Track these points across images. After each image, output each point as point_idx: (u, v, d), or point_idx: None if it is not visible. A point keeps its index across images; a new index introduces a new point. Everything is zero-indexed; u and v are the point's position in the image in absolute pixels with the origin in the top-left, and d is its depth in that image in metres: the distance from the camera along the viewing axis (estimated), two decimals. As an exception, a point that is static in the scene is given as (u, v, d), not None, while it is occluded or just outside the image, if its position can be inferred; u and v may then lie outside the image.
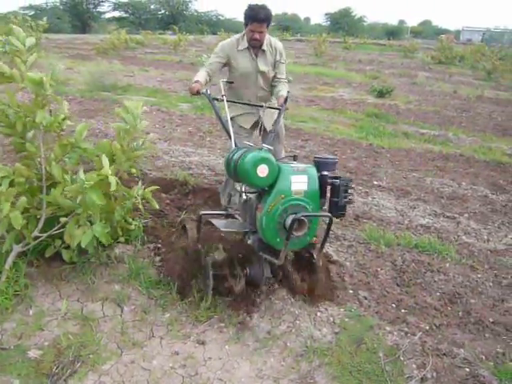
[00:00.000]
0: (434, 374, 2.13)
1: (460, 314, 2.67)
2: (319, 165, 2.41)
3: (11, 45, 2.39)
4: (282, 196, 2.26)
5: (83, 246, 2.55)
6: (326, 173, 2.40)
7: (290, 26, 53.44)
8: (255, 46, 3.36)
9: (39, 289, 2.71)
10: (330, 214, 2.32)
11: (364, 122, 7.89)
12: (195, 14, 53.42)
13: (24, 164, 2.73)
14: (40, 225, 2.69)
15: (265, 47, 3.37)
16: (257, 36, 3.27)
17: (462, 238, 3.64)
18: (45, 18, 14.43)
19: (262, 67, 3.40)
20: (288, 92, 3.31)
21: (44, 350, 2.27)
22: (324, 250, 3.12)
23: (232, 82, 3.46)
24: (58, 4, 45.94)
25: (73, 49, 18.16)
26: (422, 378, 2.12)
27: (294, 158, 2.59)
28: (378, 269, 3.09)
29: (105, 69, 11.94)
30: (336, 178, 2.43)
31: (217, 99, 3.10)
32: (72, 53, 16.41)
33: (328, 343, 2.34)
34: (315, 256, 2.54)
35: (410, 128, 7.76)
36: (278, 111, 3.20)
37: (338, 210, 2.42)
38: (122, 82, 10.37)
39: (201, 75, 3.33)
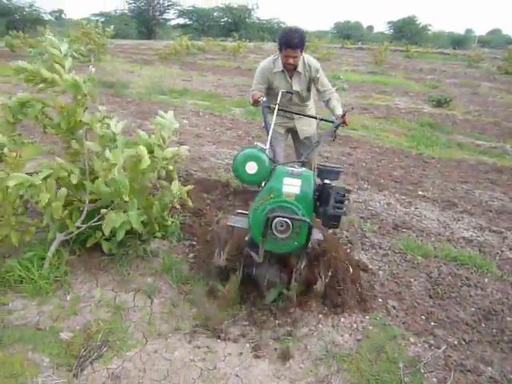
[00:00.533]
0: (456, 389, 2.07)
1: (493, 331, 2.56)
2: (321, 173, 2.42)
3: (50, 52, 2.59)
4: (272, 196, 2.30)
5: (116, 226, 2.66)
6: (328, 181, 2.39)
7: (351, 34, 52.89)
8: (290, 70, 3.42)
9: (78, 276, 2.88)
10: (307, 220, 2.24)
11: (417, 131, 7.67)
12: (257, 21, 54.16)
13: (70, 159, 2.93)
14: (82, 216, 2.87)
15: (300, 69, 3.42)
16: (291, 61, 3.31)
17: (505, 254, 3.47)
18: (112, 26, 15.14)
19: (296, 87, 3.48)
20: (344, 110, 3.25)
21: (75, 333, 2.42)
22: (357, 258, 3.11)
23: (291, 93, 3.51)
24: (126, 11, 48.33)
25: (137, 54, 18.99)
26: (442, 392, 2.07)
27: (303, 164, 2.63)
28: (412, 279, 3.02)
29: (163, 73, 12.42)
30: (331, 187, 2.39)
31: (269, 107, 3.19)
32: (136, 57, 17.16)
33: (349, 349, 2.33)
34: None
35: (465, 139, 7.47)
36: (314, 120, 3.45)
37: (327, 219, 2.40)
38: (178, 86, 10.72)
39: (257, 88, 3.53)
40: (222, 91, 11.01)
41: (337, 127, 3.10)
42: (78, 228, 2.86)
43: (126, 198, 2.66)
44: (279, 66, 3.42)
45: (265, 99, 3.24)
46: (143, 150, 2.64)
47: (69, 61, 2.72)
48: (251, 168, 2.35)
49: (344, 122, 3.16)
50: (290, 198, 2.28)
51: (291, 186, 2.28)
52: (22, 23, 29.94)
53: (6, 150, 2.83)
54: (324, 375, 2.20)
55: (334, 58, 22.36)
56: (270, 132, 3.02)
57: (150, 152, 2.86)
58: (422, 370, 2.18)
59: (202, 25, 50.65)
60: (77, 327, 2.46)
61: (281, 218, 2.22)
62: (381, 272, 3.07)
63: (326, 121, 3.31)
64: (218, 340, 2.40)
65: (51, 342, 2.36)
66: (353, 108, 3.32)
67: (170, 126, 2.98)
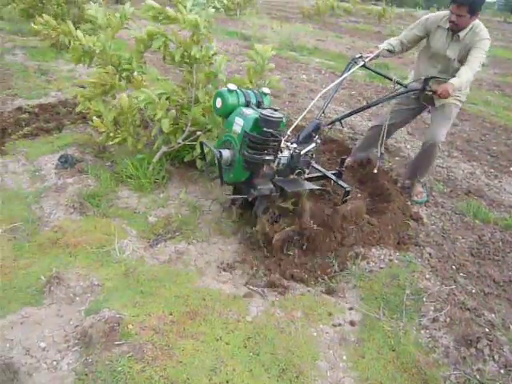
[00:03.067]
0: (448, 320, 2.31)
1: (520, 294, 2.67)
2: (261, 121, 2.56)
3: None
4: (227, 130, 2.72)
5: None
6: (266, 130, 2.55)
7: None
8: (453, 30, 3.15)
9: (173, 183, 3.58)
10: (216, 151, 2.67)
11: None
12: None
13: (179, 86, 3.56)
14: (184, 135, 3.51)
15: (462, 33, 3.12)
16: (453, 18, 3.06)
17: None
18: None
19: (450, 53, 3.21)
20: (429, 77, 3.07)
21: (159, 219, 3.12)
22: (415, 210, 3.34)
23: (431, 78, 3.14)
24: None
25: (282, 11, 19.43)
26: (433, 319, 2.33)
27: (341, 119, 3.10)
28: (460, 237, 3.16)
29: (300, 31, 12.75)
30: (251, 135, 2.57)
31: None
32: (279, 14, 17.63)
33: (368, 273, 2.67)
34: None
35: None
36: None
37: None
38: (310, 44, 11.00)
39: (386, 42, 3.44)
40: (352, 53, 11.02)
41: (418, 91, 3.05)
42: (178, 144, 3.52)
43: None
44: (446, 23, 3.18)
45: (361, 58, 3.25)
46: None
47: (190, 2, 3.28)
48: (218, 103, 2.79)
49: (433, 91, 3.01)
50: (235, 135, 2.67)
51: (237, 125, 2.64)
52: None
53: (135, 74, 3.57)
54: (341, 288, 2.58)
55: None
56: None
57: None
58: (424, 299, 2.45)
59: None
60: (161, 215, 3.16)
61: (215, 150, 2.69)
62: (432, 225, 3.26)
63: (400, 84, 3.18)
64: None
65: (141, 222, 3.09)
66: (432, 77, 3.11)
67: (263, 66, 3.38)
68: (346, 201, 2.93)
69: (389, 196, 3.37)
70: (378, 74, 3.45)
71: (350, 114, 3.37)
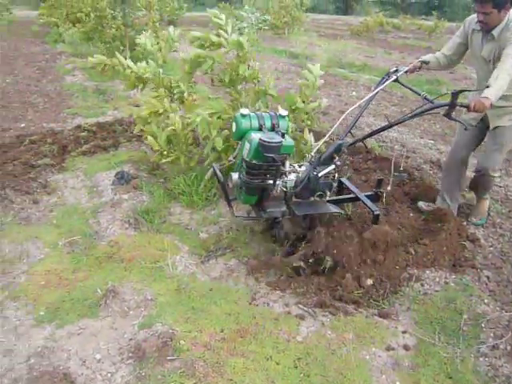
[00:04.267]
0: (508, 348, 2.19)
1: None
2: (259, 146, 2.49)
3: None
4: (240, 154, 2.73)
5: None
6: (268, 155, 2.49)
7: None
8: (483, 29, 2.89)
9: (223, 200, 3.61)
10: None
11: None
12: (464, -1, 49.26)
13: (230, 105, 3.63)
14: (235, 153, 3.56)
15: (495, 32, 2.81)
16: (481, 18, 2.80)
17: None
18: (309, 0, 15.89)
19: (484, 53, 2.93)
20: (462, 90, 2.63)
21: (210, 235, 3.17)
22: (471, 231, 3.22)
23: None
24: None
25: (330, 29, 19.50)
26: (493, 346, 2.22)
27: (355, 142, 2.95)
28: (521, 261, 3.01)
29: (349, 48, 12.73)
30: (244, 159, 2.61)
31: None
32: (328, 32, 17.69)
33: (423, 295, 2.58)
34: None
35: None
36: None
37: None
38: (359, 61, 10.94)
39: (430, 55, 3.29)
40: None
41: (449, 107, 2.61)
42: (229, 161, 3.57)
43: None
44: (477, 24, 2.92)
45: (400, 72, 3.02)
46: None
47: (229, 26, 3.37)
48: (233, 127, 2.79)
49: (465, 106, 2.61)
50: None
51: (245, 149, 2.61)
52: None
53: (185, 94, 3.69)
54: (394, 311, 2.51)
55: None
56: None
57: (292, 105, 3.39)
58: (483, 325, 2.33)
59: (403, 1, 48.23)
60: (212, 232, 3.22)
61: (218, 173, 2.87)
62: (490, 247, 3.12)
63: (428, 100, 2.72)
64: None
65: (192, 238, 3.16)
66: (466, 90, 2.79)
67: (315, 84, 3.40)
68: (376, 224, 2.81)
69: (444, 216, 3.26)
70: (409, 89, 3.11)
71: (371, 135, 3.09)
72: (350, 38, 16.32)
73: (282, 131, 2.68)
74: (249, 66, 3.32)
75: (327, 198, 2.84)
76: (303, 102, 3.44)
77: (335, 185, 2.89)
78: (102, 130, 5.03)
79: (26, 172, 3.94)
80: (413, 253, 2.88)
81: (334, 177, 2.84)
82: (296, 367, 2.10)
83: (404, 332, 2.35)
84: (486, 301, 2.52)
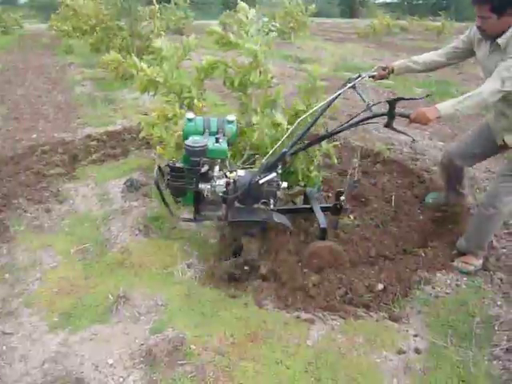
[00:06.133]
0: (523, 350, 2.17)
1: None
2: (186, 151, 2.55)
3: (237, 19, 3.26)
4: None
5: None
6: (194, 159, 2.52)
7: None
8: (489, 37, 2.51)
9: (232, 204, 3.63)
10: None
11: None
12: (473, -1, 48.92)
13: (238, 111, 3.65)
14: (243, 158, 3.59)
15: (501, 40, 2.42)
16: (478, 23, 2.46)
17: None
18: (314, 5, 15.91)
19: (487, 64, 2.57)
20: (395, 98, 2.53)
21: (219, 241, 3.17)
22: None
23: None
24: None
25: (336, 32, 19.56)
26: (507, 349, 2.19)
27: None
28: (536, 263, 2.98)
29: (355, 52, 12.74)
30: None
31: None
32: (334, 36, 17.74)
33: (434, 298, 2.57)
34: None
35: None
36: None
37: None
38: (366, 64, 10.92)
39: (416, 57, 3.11)
40: (409, 72, 10.84)
41: (388, 117, 2.54)
42: (237, 167, 3.59)
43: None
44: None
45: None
46: (280, 119, 3.15)
47: (253, 27, 3.37)
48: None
49: (405, 116, 2.43)
50: None
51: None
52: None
53: (195, 101, 3.72)
54: (405, 314, 2.50)
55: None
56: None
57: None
58: (496, 328, 2.31)
59: (409, 3, 48.08)
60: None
61: (156, 174, 2.77)
62: (503, 249, 3.08)
63: (369, 109, 2.64)
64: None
65: (202, 244, 3.17)
66: (428, 94, 2.82)
67: (315, 85, 3.38)
68: (323, 238, 2.80)
69: (455, 217, 3.24)
70: (360, 96, 2.92)
71: (311, 144, 2.98)
72: (357, 41, 16.32)
73: (223, 137, 2.69)
74: (260, 72, 3.32)
75: (275, 207, 2.78)
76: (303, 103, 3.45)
77: (279, 193, 2.83)
78: (112, 139, 5.09)
79: (38, 181, 4.01)
80: (423, 255, 2.87)
81: (279, 185, 2.74)
82: (306, 371, 2.10)
83: (415, 335, 2.33)
84: (498, 303, 2.50)
